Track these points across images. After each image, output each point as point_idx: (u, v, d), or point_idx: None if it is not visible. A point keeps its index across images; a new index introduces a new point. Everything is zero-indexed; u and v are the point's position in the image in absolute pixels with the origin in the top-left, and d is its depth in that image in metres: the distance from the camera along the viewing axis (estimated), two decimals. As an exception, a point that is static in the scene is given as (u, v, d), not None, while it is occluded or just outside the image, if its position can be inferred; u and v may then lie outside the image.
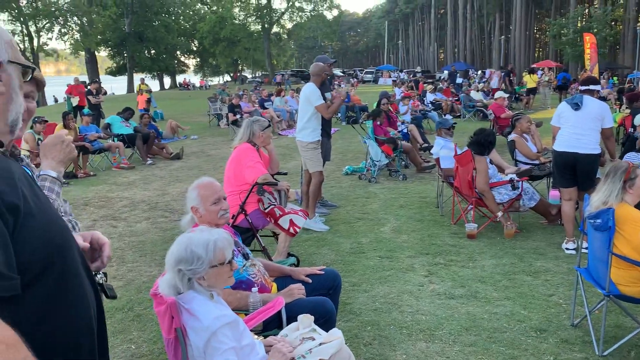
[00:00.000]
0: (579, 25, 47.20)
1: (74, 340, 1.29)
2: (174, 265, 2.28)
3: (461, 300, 4.48)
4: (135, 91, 24.65)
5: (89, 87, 17.49)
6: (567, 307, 4.26)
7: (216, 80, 67.23)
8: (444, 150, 7.18)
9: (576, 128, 5.35)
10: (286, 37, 63.11)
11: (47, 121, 10.38)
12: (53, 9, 41.54)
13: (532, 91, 22.13)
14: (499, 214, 6.04)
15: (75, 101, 16.72)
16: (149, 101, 19.26)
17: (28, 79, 1.30)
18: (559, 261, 5.30)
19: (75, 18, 44.14)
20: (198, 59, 66.30)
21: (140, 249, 6.02)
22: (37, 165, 7.40)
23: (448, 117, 16.83)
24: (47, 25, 43.07)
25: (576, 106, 5.36)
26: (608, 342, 3.67)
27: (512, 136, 7.50)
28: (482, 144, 6.21)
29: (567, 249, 5.53)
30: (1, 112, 1.21)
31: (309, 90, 6.72)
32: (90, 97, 15.89)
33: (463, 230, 6.23)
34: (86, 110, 13.47)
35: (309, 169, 6.87)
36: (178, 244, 2.32)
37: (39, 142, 9.72)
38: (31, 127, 9.77)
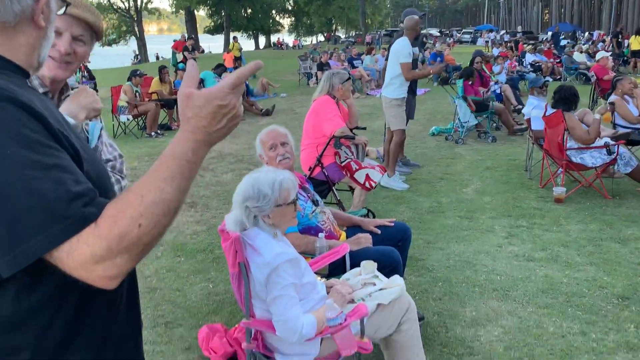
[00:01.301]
0: None
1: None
2: (241, 202, 2.35)
3: (540, 263, 4.32)
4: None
5: (185, 43, 18.09)
6: (657, 277, 4.01)
7: (309, 40, 67.26)
8: (536, 111, 6.83)
9: None
10: (382, -5, 61.70)
11: (145, 74, 10.90)
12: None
13: (638, 54, 20.43)
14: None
15: (180, 57, 17.36)
16: (238, 59, 19.65)
17: (61, 13, 1.28)
18: (653, 230, 4.96)
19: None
20: (292, 19, 66.45)
21: (225, 198, 6.25)
22: (135, 117, 7.56)
23: (547, 78, 15.95)
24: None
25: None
26: (698, 315, 3.43)
27: (612, 98, 7.00)
28: (567, 97, 5.92)
29: (663, 217, 5.16)
30: (36, 47, 1.19)
31: (400, 46, 6.55)
32: (185, 53, 16.44)
33: (551, 195, 5.95)
34: (181, 65, 13.95)
35: (391, 127, 6.77)
36: (246, 182, 2.39)
37: (137, 94, 10.23)
38: (129, 80, 10.28)
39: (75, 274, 1.00)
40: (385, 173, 5.45)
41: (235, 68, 15.46)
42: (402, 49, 6.50)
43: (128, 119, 10.13)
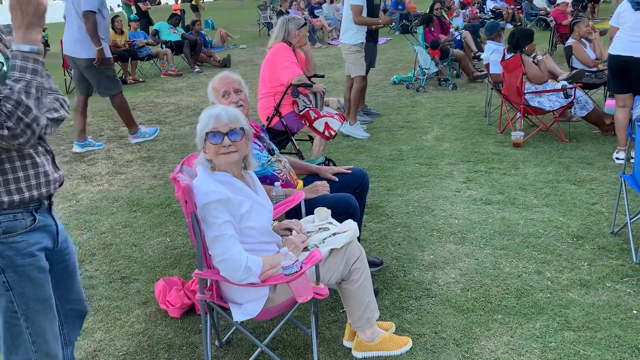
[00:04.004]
0: None
1: None
2: None
3: (498, 206, 4.37)
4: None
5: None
6: (609, 215, 4.09)
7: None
8: (494, 55, 6.80)
9: (634, 30, 4.91)
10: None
11: (96, 27, 10.44)
12: None
13: None
14: None
15: (134, 9, 16.80)
16: (196, 9, 19.11)
17: None
18: (608, 171, 5.05)
19: None
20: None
21: (182, 151, 6.12)
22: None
23: (503, 25, 15.95)
24: None
25: (637, 5, 4.89)
26: (648, 251, 3.52)
27: (569, 41, 7.01)
28: (516, 38, 6.05)
29: (617, 158, 5.25)
30: None
31: None
32: (140, 4, 15.80)
33: (509, 139, 6.00)
34: (133, 16, 13.42)
35: (351, 73, 6.67)
36: None
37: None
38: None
39: None
40: (345, 121, 5.39)
41: (195, 20, 14.90)
42: None
43: (80, 74, 9.73)
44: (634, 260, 3.43)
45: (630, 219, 3.63)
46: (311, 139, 5.25)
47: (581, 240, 3.77)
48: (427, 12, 10.94)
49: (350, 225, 2.53)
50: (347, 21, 6.50)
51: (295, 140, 4.99)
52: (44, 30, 12.37)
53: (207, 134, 2.27)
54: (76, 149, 6.30)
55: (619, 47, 5.04)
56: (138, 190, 5.01)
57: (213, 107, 2.35)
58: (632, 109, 5.17)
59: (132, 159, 5.94)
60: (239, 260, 2.15)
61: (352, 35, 6.47)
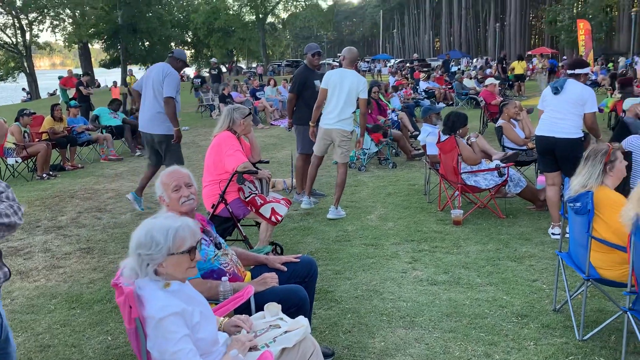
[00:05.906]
0: (575, 11, 47.14)
1: None
2: (134, 249, 2.24)
3: (443, 287, 4.44)
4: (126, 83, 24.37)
5: (80, 79, 17.44)
6: (550, 292, 4.22)
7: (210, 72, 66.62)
8: (430, 137, 7.11)
9: (555, 112, 5.32)
10: (281, 27, 62.75)
11: (34, 113, 10.30)
12: (44, 2, 41.24)
13: (521, 78, 22.28)
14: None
15: (71, 93, 16.76)
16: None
17: None
18: (545, 246, 5.26)
19: (67, 10, 43.82)
20: (192, 50, 65.82)
21: (123, 241, 5.96)
22: (24, 159, 7.33)
23: (441, 105, 16.80)
24: (39, 18, 42.76)
25: (556, 90, 5.32)
26: (589, 327, 3.63)
27: (499, 122, 7.44)
28: (452, 122, 6.41)
29: (553, 234, 5.49)
30: None
31: (364, 82, 6.50)
32: (81, 89, 15.78)
33: (449, 217, 6.18)
34: (73, 102, 13.33)
35: (342, 160, 6.64)
36: (140, 228, 2.28)
37: (25, 134, 9.63)
38: (16, 120, 9.67)
39: None
40: (290, 206, 5.43)
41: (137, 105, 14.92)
42: (365, 86, 6.51)
43: (17, 162, 9.49)
44: (577, 338, 3.53)
45: (570, 296, 3.76)
46: (258, 224, 5.25)
47: (525, 319, 3.86)
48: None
49: (302, 322, 2.51)
50: (350, 109, 6.56)
51: (242, 225, 4.98)
52: None
53: (183, 252, 2.23)
54: (132, 199, 7.19)
55: (543, 128, 5.40)
56: (77, 285, 4.82)
57: (174, 220, 2.29)
58: (562, 185, 5.48)
59: (70, 250, 5.74)
60: None
61: (350, 122, 6.63)
